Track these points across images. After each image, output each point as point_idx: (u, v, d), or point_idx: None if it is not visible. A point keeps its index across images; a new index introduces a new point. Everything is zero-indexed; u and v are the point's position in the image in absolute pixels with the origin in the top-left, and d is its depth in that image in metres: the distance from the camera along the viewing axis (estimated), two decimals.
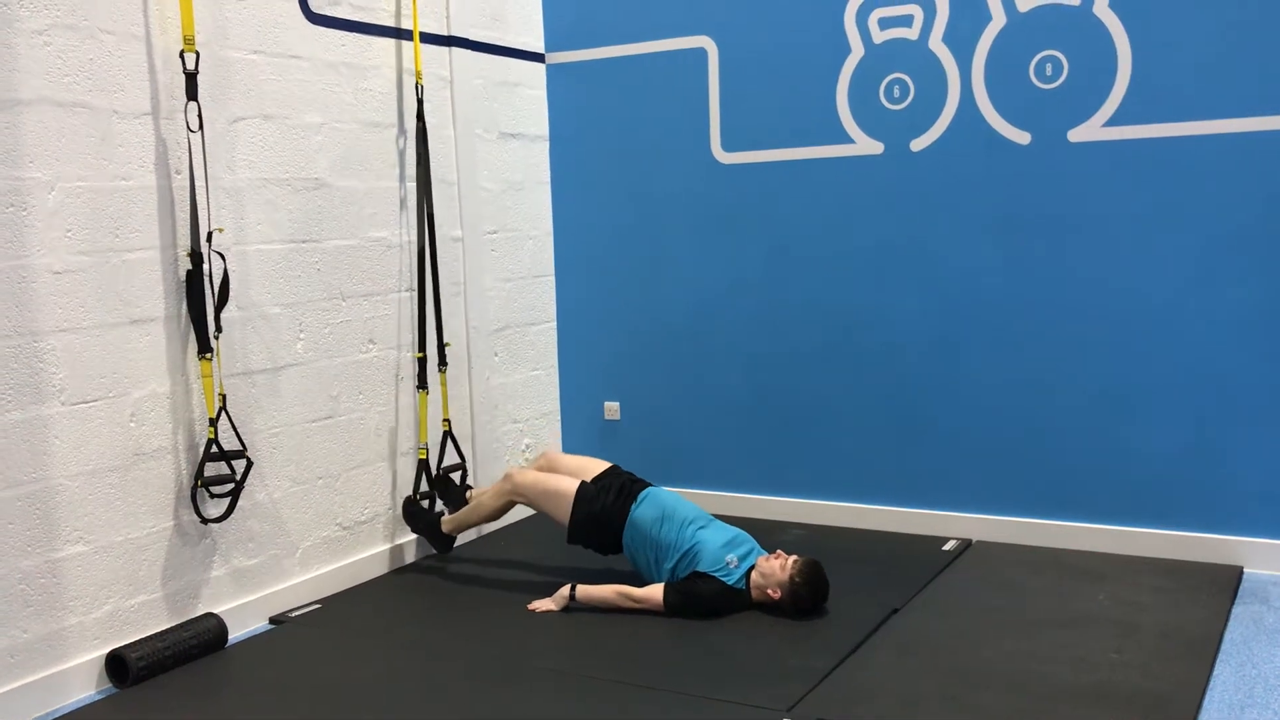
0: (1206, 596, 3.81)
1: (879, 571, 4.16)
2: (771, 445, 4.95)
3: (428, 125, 4.50)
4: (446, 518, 4.42)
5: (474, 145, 4.81)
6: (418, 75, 4.46)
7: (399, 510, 4.50)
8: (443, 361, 4.58)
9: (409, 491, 4.52)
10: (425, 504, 4.51)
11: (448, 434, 4.60)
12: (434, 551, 4.57)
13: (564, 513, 4.03)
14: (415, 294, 4.51)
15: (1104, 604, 3.78)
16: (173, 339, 3.63)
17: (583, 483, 4.06)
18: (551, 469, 4.26)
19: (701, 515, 3.96)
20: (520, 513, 4.92)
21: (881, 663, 3.38)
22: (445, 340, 4.59)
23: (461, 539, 4.66)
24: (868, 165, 4.63)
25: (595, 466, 4.21)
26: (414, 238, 4.51)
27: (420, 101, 4.46)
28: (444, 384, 4.59)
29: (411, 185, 4.50)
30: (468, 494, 4.48)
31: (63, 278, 3.32)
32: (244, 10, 3.83)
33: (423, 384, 4.50)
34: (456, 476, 4.64)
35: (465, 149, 4.76)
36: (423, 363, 4.49)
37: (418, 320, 4.49)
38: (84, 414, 3.39)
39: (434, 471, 4.55)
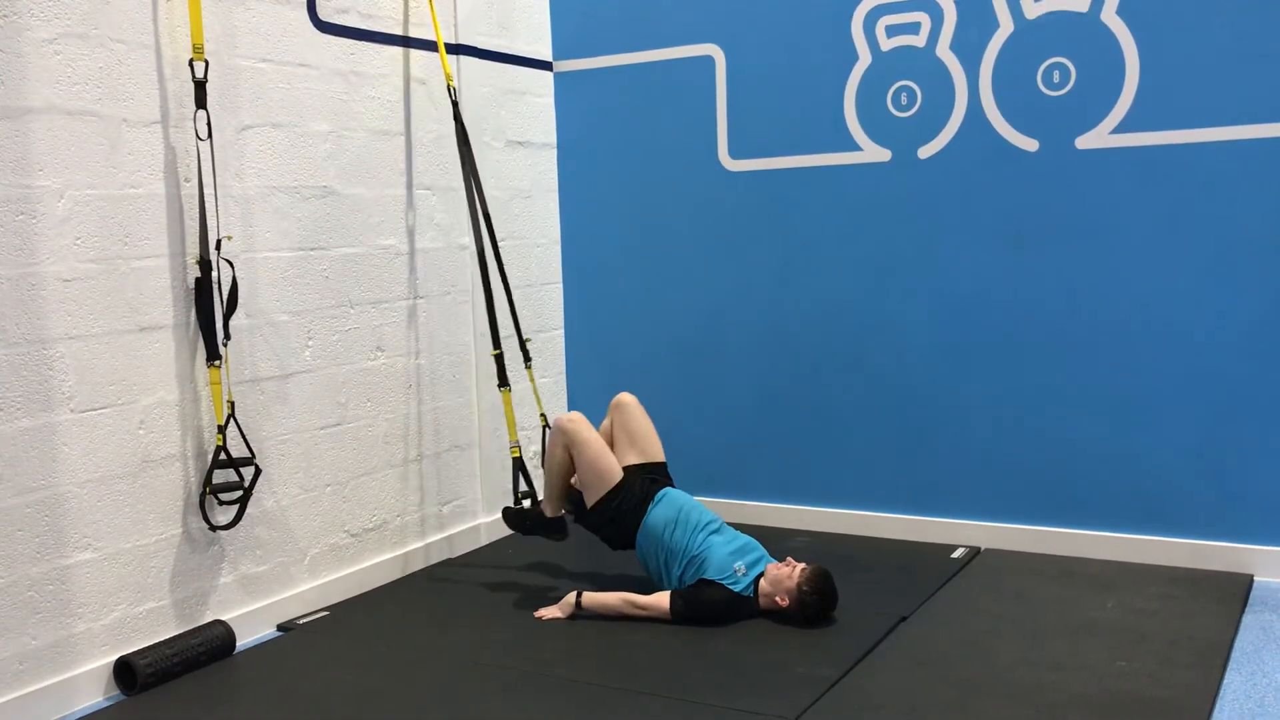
0: (1216, 605, 3.80)
1: (887, 579, 4.15)
2: (780, 453, 4.94)
3: (437, 132, 4.52)
4: (543, 501, 4.23)
5: (481, 153, 4.81)
6: (448, 78, 4.47)
7: (407, 518, 4.49)
8: (527, 358, 4.50)
9: (420, 498, 4.51)
10: (525, 504, 4.32)
11: (546, 427, 4.46)
12: (448, 558, 4.59)
13: (594, 490, 3.97)
14: (470, 295, 4.52)
15: (1113, 612, 3.77)
16: (181, 346, 3.64)
17: (627, 473, 4.01)
18: (622, 424, 4.18)
19: (714, 520, 3.95)
20: None
21: (889, 671, 3.37)
22: (525, 336, 4.53)
23: (470, 545, 4.69)
24: (875, 173, 4.63)
25: (651, 449, 4.16)
26: (420, 246, 4.52)
27: (455, 104, 4.47)
28: (532, 378, 4.53)
29: (420, 192, 4.52)
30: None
31: (72, 285, 3.33)
32: (252, 19, 3.85)
33: (503, 382, 4.44)
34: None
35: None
36: (500, 359, 4.43)
37: (489, 319, 4.43)
38: (93, 421, 3.40)
39: (527, 466, 4.42)
